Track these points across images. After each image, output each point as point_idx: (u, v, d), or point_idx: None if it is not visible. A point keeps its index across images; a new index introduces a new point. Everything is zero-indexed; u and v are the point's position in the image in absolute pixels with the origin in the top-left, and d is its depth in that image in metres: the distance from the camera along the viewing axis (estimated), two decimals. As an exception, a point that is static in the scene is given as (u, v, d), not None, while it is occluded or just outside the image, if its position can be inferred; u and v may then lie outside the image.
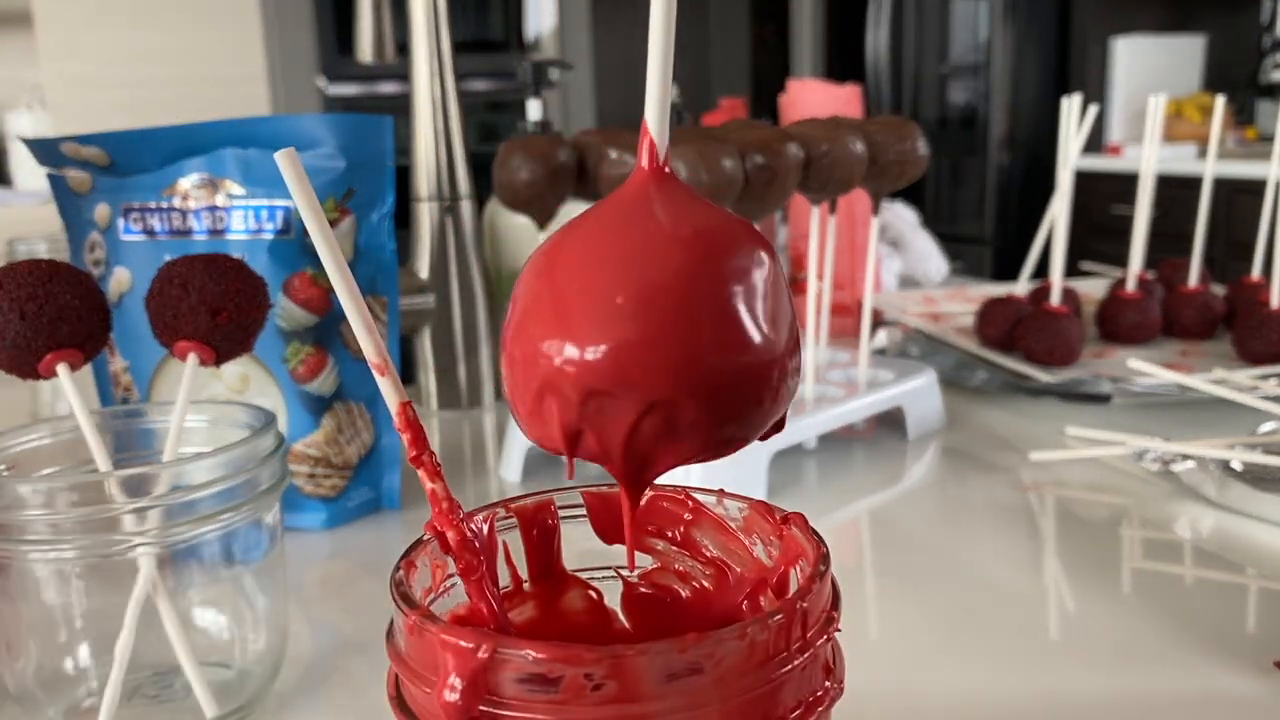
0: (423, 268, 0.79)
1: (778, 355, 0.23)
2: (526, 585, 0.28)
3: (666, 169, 0.24)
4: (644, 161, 0.23)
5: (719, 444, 0.23)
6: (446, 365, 0.80)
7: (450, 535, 0.24)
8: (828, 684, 0.23)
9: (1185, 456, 0.59)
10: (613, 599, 0.29)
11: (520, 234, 0.89)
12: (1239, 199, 2.38)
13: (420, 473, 0.24)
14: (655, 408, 0.22)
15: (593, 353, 0.22)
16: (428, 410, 0.80)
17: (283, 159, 0.21)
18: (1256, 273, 0.86)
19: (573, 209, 0.47)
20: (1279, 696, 0.38)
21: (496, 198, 0.77)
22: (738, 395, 0.22)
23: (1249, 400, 0.63)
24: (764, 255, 0.23)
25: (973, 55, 3.39)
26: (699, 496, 0.28)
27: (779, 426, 0.24)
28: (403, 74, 0.82)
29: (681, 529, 0.28)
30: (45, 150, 0.57)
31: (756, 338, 0.22)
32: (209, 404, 0.44)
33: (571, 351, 0.22)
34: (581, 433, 0.23)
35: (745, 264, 0.23)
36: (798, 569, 0.25)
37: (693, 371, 0.22)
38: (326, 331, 0.57)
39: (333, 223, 0.56)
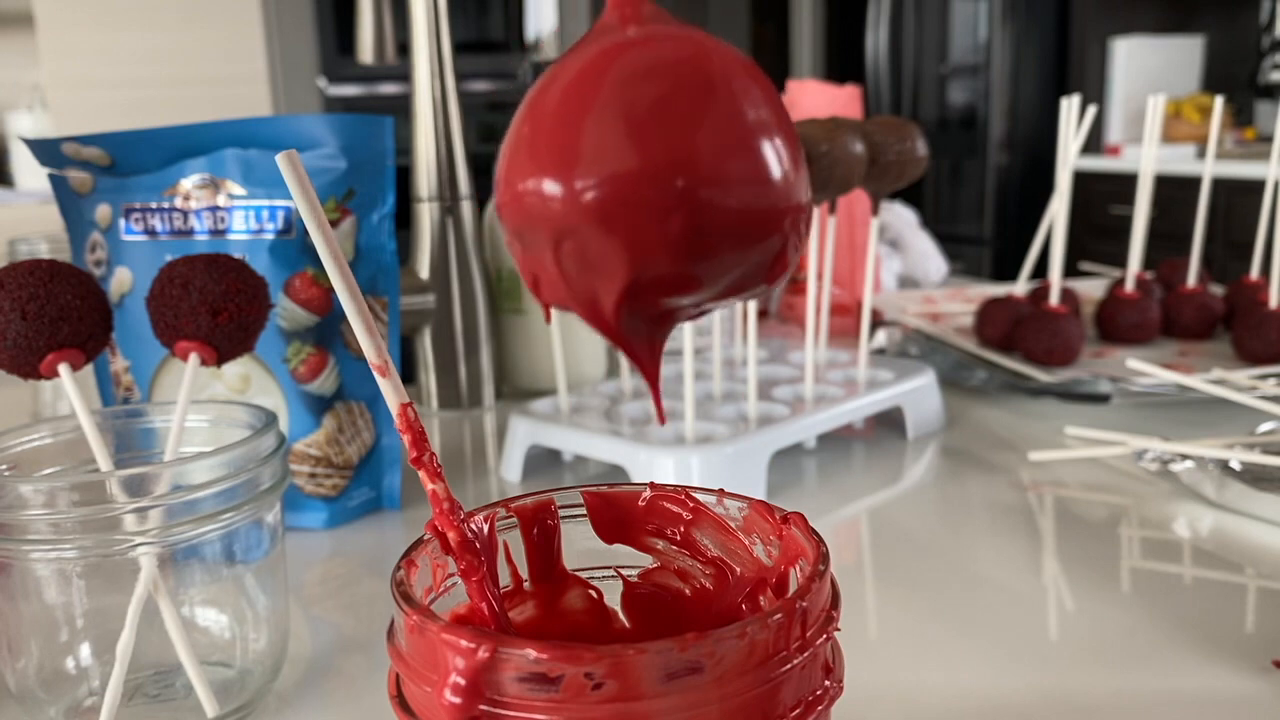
0: (423, 268, 0.79)
1: (763, 183, 0.20)
2: (527, 585, 0.28)
3: None
4: None
5: (684, 282, 0.21)
6: (447, 365, 0.80)
7: (451, 536, 0.24)
8: (827, 683, 0.23)
9: (1184, 456, 0.59)
10: (613, 599, 0.29)
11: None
12: (1238, 199, 2.38)
13: (421, 474, 0.24)
14: (565, 237, 0.21)
15: (516, 189, 0.21)
16: (428, 410, 0.80)
17: (283, 161, 0.21)
18: (1255, 273, 0.86)
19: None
20: (1279, 696, 0.38)
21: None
22: (717, 226, 0.20)
23: (1248, 400, 0.63)
24: (752, 79, 0.21)
25: (973, 55, 3.39)
26: (699, 496, 0.28)
27: (765, 275, 0.22)
28: (403, 74, 0.82)
29: (681, 529, 0.28)
30: (46, 150, 0.58)
31: (742, 164, 0.20)
32: (210, 404, 0.44)
33: (504, 191, 0.21)
34: (536, 277, 0.22)
35: (724, 86, 0.20)
36: (798, 569, 0.25)
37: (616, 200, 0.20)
38: (327, 331, 0.57)
39: (333, 223, 0.56)
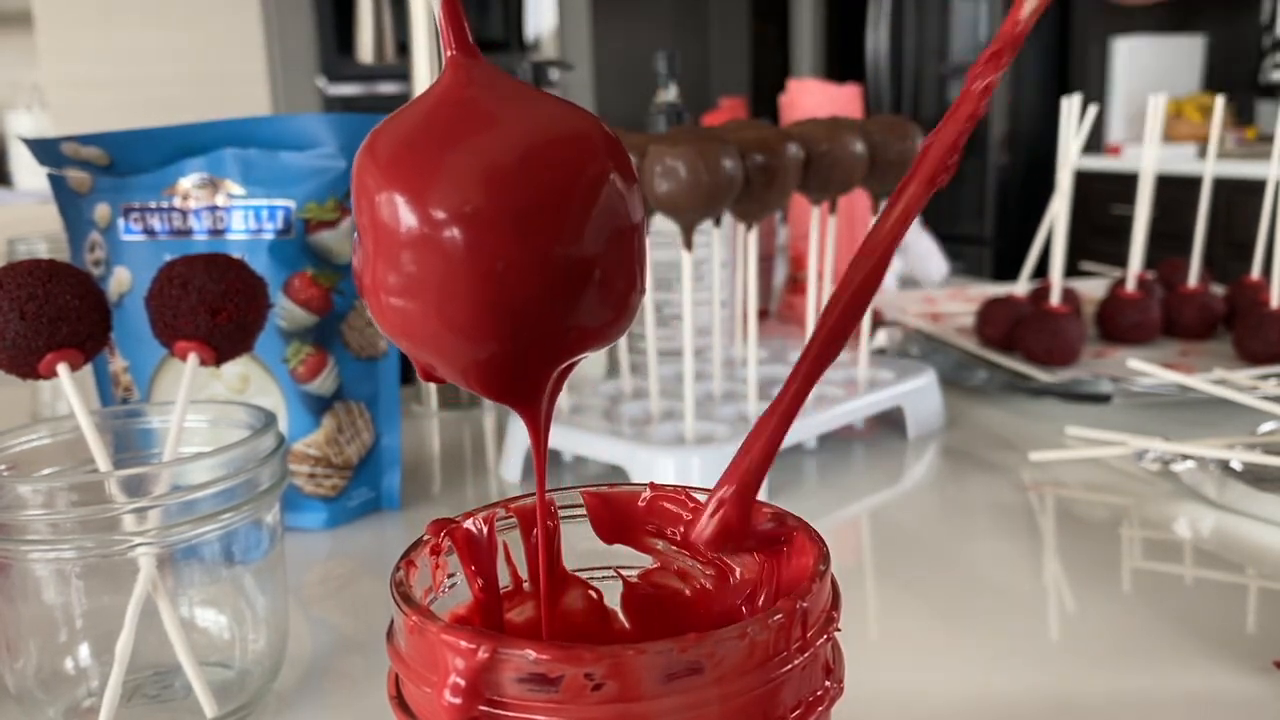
0: (423, 268, 0.79)
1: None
2: (526, 585, 0.28)
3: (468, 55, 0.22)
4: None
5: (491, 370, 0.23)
6: (446, 365, 0.80)
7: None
8: (828, 684, 0.23)
9: (1185, 456, 0.59)
10: (613, 599, 0.29)
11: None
12: (1239, 199, 2.38)
13: None
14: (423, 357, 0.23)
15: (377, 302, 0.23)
16: (428, 410, 0.80)
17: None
18: (1256, 273, 0.86)
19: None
20: (1279, 697, 0.38)
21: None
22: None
23: (1249, 400, 0.63)
24: (601, 164, 0.22)
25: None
26: (699, 496, 0.28)
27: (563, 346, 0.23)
28: (403, 74, 0.82)
29: (681, 529, 0.28)
30: (45, 150, 0.57)
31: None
32: (209, 404, 0.44)
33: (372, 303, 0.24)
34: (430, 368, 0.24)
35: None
36: (798, 569, 0.25)
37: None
38: (327, 331, 0.57)
39: (333, 223, 0.56)
